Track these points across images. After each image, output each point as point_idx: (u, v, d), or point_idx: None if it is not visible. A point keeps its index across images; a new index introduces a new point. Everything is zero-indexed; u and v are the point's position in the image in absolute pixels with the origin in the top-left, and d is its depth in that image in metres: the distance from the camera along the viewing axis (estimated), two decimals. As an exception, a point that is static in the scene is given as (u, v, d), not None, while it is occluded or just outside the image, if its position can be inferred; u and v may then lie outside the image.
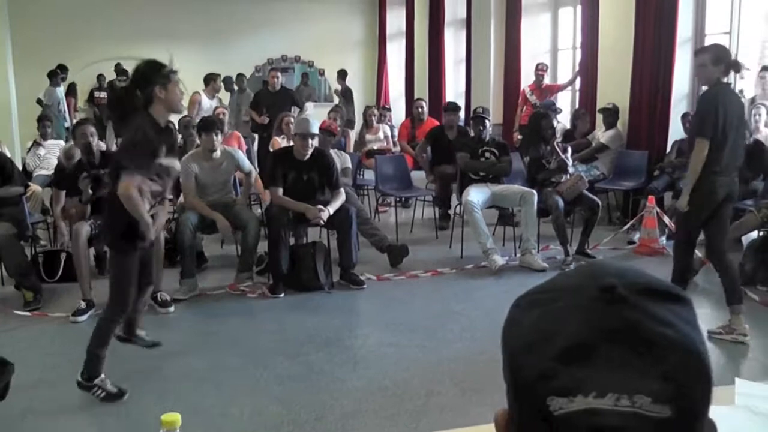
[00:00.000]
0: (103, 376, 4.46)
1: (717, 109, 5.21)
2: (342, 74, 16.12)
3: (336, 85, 16.74)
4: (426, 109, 11.34)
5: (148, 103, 4.31)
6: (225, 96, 13.66)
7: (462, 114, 15.39)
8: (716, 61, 5.28)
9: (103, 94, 16.03)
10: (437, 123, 10.61)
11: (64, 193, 6.77)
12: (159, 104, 4.32)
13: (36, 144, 9.90)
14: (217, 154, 7.06)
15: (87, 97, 16.35)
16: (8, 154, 8.08)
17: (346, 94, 15.80)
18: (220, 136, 7.11)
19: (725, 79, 5.40)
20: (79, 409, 4.43)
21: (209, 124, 7.08)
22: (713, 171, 5.29)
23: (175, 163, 4.66)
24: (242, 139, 10.30)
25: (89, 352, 4.46)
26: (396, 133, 12.15)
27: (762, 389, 2.03)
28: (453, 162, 9.06)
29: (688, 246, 5.75)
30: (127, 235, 4.39)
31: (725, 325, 5.47)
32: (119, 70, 14.77)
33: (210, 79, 11.76)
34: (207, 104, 11.28)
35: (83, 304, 6.14)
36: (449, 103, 10.59)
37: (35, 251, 7.34)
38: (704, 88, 5.56)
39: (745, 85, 8.89)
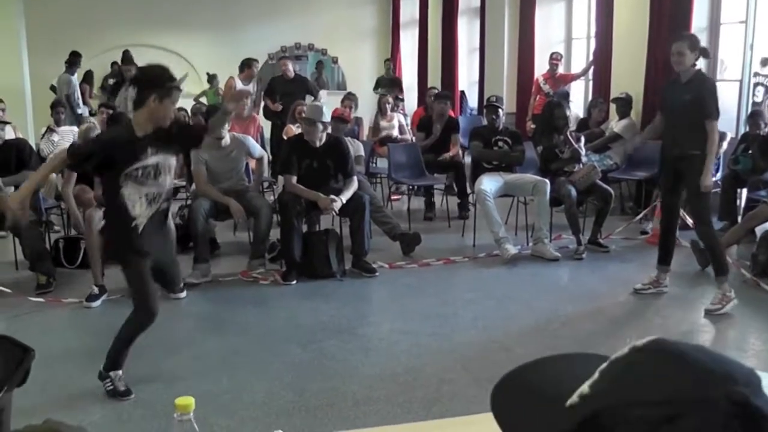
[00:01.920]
0: (120, 372, 4.47)
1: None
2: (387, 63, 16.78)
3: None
4: None
5: (138, 104, 4.30)
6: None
7: (475, 102, 15.49)
8: (692, 48, 5.64)
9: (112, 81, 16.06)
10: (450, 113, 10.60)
11: (75, 175, 6.75)
12: (146, 112, 4.26)
13: (50, 130, 9.94)
14: (226, 141, 7.05)
15: (100, 84, 16.36)
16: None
17: (395, 82, 15.91)
18: (227, 125, 7.08)
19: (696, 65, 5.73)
20: (92, 394, 4.45)
21: (216, 112, 7.04)
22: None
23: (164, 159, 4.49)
24: (259, 122, 10.28)
25: (113, 349, 4.45)
26: (409, 121, 12.16)
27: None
28: (442, 151, 9.28)
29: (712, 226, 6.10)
30: (122, 244, 4.39)
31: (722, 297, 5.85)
32: (126, 58, 14.76)
33: (245, 65, 11.75)
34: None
35: (96, 290, 6.18)
36: (439, 92, 10.53)
37: (49, 237, 7.38)
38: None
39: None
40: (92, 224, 6.29)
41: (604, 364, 0.81)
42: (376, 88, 15.54)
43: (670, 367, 0.74)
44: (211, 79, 15.43)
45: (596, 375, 0.80)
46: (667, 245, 6.26)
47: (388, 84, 15.40)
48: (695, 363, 0.74)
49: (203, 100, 15.34)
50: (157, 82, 4.25)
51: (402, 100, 13.85)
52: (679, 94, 5.75)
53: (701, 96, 5.62)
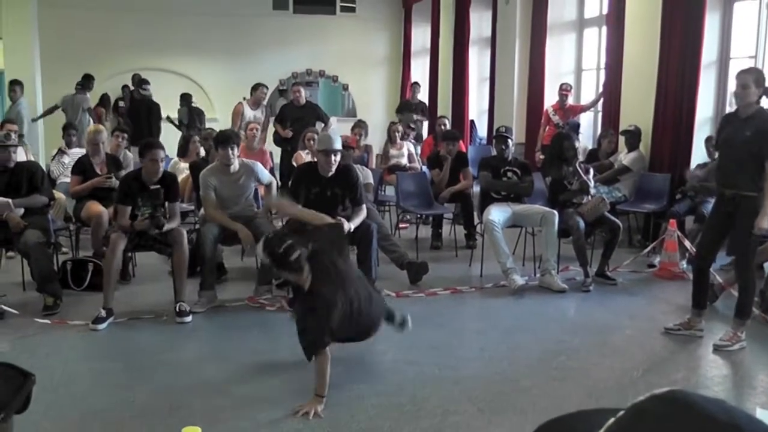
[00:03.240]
0: None
1: None
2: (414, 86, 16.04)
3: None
4: (449, 126, 11.41)
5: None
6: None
7: (485, 132, 15.50)
8: (758, 84, 5.42)
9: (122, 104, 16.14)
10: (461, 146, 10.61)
11: (129, 209, 6.67)
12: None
13: (60, 152, 9.98)
14: (235, 167, 7.06)
15: (112, 106, 16.46)
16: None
17: (421, 107, 15.34)
18: (236, 150, 7.10)
19: (759, 103, 5.55)
20: (96, 419, 4.45)
21: (225, 139, 7.05)
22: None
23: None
24: (269, 155, 10.31)
25: None
26: (419, 150, 12.19)
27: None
28: (452, 184, 9.45)
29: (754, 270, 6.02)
30: None
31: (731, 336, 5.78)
32: (139, 80, 14.80)
33: (253, 89, 11.83)
34: (249, 115, 11.36)
35: (103, 312, 6.19)
36: (448, 131, 10.47)
37: (57, 258, 7.40)
38: (731, 107, 5.69)
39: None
40: (116, 250, 6.36)
41: (624, 410, 0.83)
42: (399, 111, 15.05)
43: (679, 416, 0.76)
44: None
45: (613, 419, 0.83)
46: (702, 287, 6.11)
47: (410, 108, 14.86)
48: (703, 413, 0.75)
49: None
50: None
51: (413, 129, 13.76)
52: (738, 129, 5.59)
53: (764, 133, 5.46)
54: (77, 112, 13.65)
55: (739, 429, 0.73)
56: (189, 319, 6.34)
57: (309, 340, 4.56)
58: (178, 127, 14.07)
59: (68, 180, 9.24)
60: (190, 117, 14.16)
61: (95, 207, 7.64)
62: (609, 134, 10.22)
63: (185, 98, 14.75)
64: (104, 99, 16.06)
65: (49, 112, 14.22)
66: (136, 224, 6.54)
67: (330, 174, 6.85)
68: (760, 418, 0.78)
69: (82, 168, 8.03)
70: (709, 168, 8.58)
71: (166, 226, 6.57)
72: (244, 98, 11.86)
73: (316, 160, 7.13)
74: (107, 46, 16.81)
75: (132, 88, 15.19)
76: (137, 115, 13.71)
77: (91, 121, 13.73)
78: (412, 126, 12.66)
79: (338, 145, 6.93)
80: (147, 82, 14.11)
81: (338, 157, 6.87)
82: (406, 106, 14.91)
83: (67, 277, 7.22)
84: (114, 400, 4.71)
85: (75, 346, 5.85)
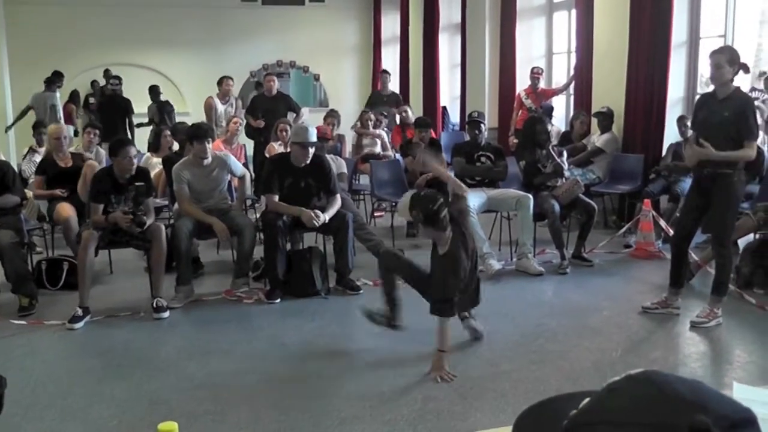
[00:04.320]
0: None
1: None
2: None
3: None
4: (411, 113, 11.64)
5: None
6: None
7: (457, 118, 15.49)
8: (731, 62, 5.45)
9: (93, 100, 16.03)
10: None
11: (102, 207, 6.58)
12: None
13: (32, 151, 9.88)
14: (209, 160, 7.04)
15: (82, 103, 16.33)
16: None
17: (394, 99, 14.10)
18: (211, 144, 7.07)
19: (734, 81, 5.57)
20: (75, 418, 4.42)
21: (202, 133, 7.02)
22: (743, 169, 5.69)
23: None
24: (242, 147, 10.24)
25: None
26: (388, 139, 12.18)
27: (761, 394, 2.02)
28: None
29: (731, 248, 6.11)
30: None
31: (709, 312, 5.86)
32: (109, 75, 14.66)
33: (218, 84, 11.77)
34: (221, 109, 11.33)
35: (80, 311, 6.13)
36: (419, 118, 10.44)
37: (31, 258, 7.33)
38: (710, 87, 5.74)
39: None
40: (88, 248, 6.28)
41: (600, 389, 0.86)
42: (369, 105, 13.47)
43: (649, 394, 0.77)
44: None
45: (588, 399, 0.85)
46: (680, 266, 6.15)
47: (382, 102, 13.60)
48: (673, 392, 0.77)
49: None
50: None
51: (386, 116, 13.53)
52: (715, 110, 5.62)
53: (741, 114, 5.50)
54: (47, 110, 13.52)
55: (705, 409, 0.74)
56: (166, 314, 6.30)
57: (447, 299, 4.94)
58: (149, 124, 13.93)
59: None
60: (160, 115, 14.06)
61: (64, 210, 7.54)
62: (581, 116, 10.24)
63: (153, 90, 14.62)
64: (73, 96, 15.93)
65: (22, 115, 14.01)
66: (113, 216, 6.43)
67: (303, 165, 6.84)
68: (733, 398, 0.79)
69: (44, 167, 7.97)
70: (674, 150, 8.66)
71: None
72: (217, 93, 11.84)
73: (288, 151, 7.11)
74: (76, 41, 16.66)
75: (102, 84, 15.08)
76: (107, 111, 13.58)
77: (62, 119, 13.62)
78: (385, 114, 12.55)
79: (314, 138, 6.92)
80: (117, 78, 13.99)
81: (313, 150, 6.87)
82: (377, 100, 13.90)
83: (42, 276, 7.14)
84: (93, 398, 4.68)
85: (52, 346, 5.80)
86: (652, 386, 0.79)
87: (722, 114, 5.54)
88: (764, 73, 9.61)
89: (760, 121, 7.88)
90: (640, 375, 0.82)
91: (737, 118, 5.49)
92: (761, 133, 8.02)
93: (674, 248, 6.17)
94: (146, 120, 14.08)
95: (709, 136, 5.65)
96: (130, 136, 12.47)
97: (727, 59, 5.50)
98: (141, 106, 14.29)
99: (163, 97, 14.70)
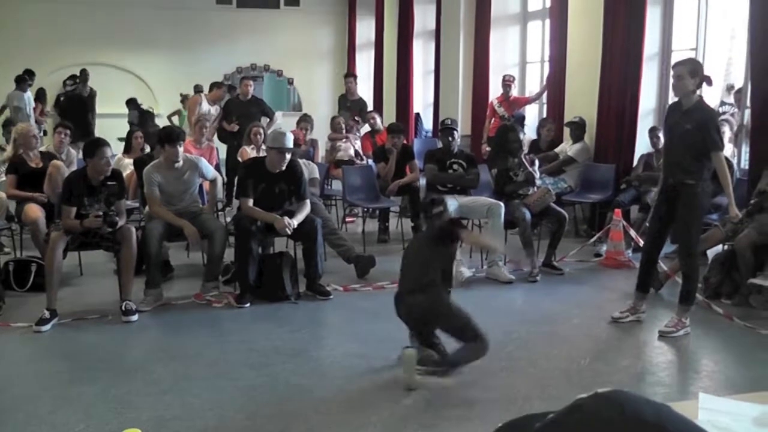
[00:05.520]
0: None
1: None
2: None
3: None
4: (379, 120, 11.77)
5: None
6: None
7: (430, 124, 15.51)
8: (693, 74, 5.53)
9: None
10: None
11: (74, 210, 6.46)
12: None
13: (1, 150, 9.79)
14: (180, 163, 7.02)
15: (54, 102, 16.21)
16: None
17: (359, 105, 13.60)
18: (182, 147, 7.06)
19: (698, 92, 5.66)
20: (42, 422, 4.36)
21: (175, 136, 7.00)
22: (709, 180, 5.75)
23: None
24: (215, 151, 10.21)
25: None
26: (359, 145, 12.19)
27: (725, 404, 2.04)
28: (398, 177, 9.48)
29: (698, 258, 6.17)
30: None
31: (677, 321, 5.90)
32: (71, 75, 14.56)
33: (214, 86, 11.79)
34: (206, 108, 11.29)
35: (47, 314, 6.07)
36: (392, 124, 10.45)
37: (-2, 259, 7.27)
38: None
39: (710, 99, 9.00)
40: (56, 250, 6.21)
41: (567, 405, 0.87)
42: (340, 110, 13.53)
43: (611, 416, 0.79)
44: (184, 99, 15.19)
45: (553, 414, 0.87)
46: (648, 272, 6.24)
47: (345, 107, 13.47)
48: (633, 413, 0.79)
49: (175, 119, 15.25)
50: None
51: (358, 121, 13.52)
52: (678, 122, 5.71)
53: (703, 126, 5.58)
54: (21, 107, 13.45)
55: (664, 430, 0.76)
56: (135, 317, 6.26)
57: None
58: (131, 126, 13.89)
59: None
60: (141, 118, 13.99)
61: (33, 211, 7.48)
62: (548, 123, 10.32)
63: (132, 103, 14.64)
64: (40, 94, 15.81)
65: None
66: (87, 222, 6.37)
67: (277, 170, 6.83)
68: (696, 424, 0.81)
69: (15, 167, 7.90)
70: (645, 161, 8.74)
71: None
72: (207, 93, 11.86)
73: (263, 155, 7.10)
74: (50, 40, 16.56)
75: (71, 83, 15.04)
76: (69, 110, 13.50)
77: (33, 117, 13.52)
78: (357, 119, 12.51)
79: (291, 144, 6.93)
80: (72, 78, 13.93)
81: (290, 156, 6.87)
82: (341, 106, 13.67)
83: (9, 278, 7.06)
84: (59, 402, 4.62)
85: (19, 348, 5.74)
86: (617, 407, 0.81)
87: (684, 126, 5.65)
88: (733, 86, 9.70)
89: (729, 134, 7.99)
90: (605, 393, 0.83)
91: (700, 132, 5.58)
92: (730, 146, 8.11)
93: (644, 255, 6.26)
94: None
95: (673, 145, 5.82)
96: (91, 130, 12.47)
97: (689, 70, 5.59)
98: (114, 107, 14.23)
99: (142, 107, 14.77)
